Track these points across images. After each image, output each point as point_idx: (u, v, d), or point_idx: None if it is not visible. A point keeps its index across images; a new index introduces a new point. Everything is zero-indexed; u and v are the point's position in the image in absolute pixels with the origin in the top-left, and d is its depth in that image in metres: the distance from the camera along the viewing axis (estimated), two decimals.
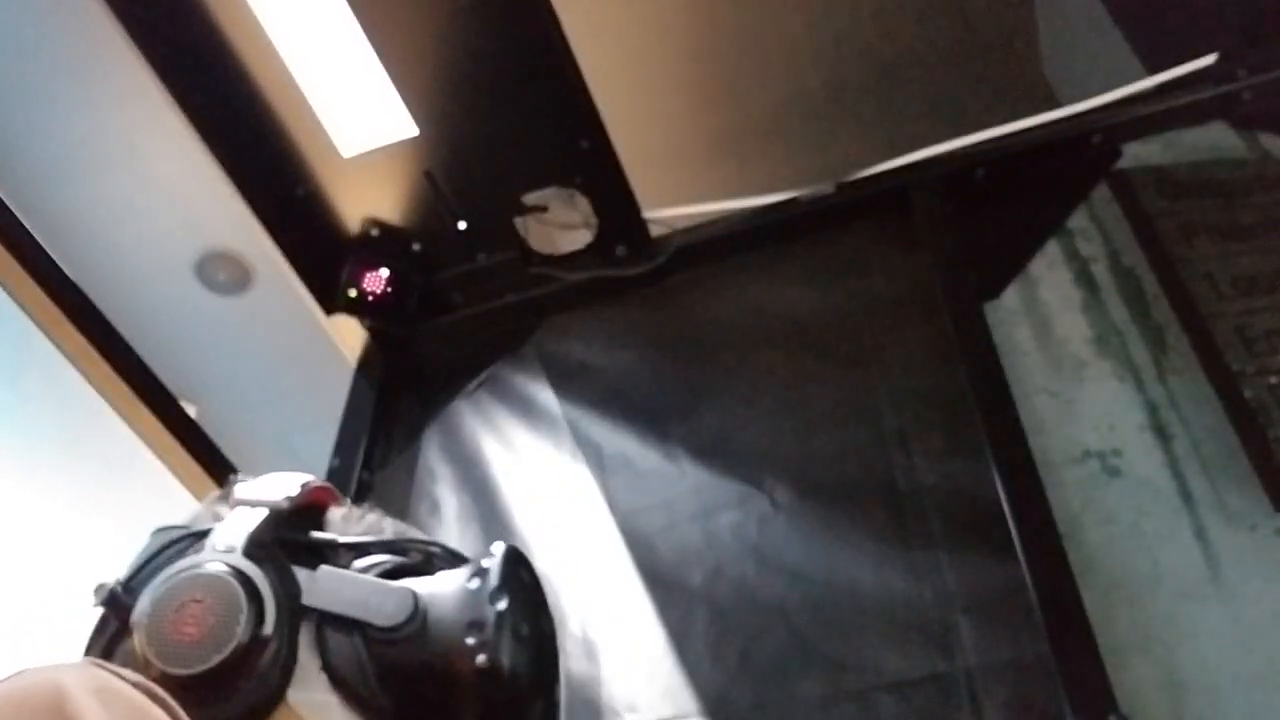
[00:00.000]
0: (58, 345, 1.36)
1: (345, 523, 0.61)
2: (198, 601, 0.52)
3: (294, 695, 0.53)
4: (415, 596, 0.55)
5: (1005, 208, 1.51)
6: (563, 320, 1.67)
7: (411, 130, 1.51)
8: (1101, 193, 1.47)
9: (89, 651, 0.56)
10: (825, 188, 1.61)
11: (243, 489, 0.59)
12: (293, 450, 1.91)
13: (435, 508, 1.53)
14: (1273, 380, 1.24)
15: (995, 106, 1.59)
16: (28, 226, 1.34)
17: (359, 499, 1.61)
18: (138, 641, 0.52)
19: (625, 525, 1.39)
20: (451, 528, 1.49)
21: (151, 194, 1.59)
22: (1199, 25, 1.53)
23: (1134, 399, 1.27)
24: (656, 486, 1.40)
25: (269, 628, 0.52)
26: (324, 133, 1.51)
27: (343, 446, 1.62)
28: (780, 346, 1.49)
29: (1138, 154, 1.49)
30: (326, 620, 0.54)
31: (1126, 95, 1.51)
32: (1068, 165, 1.51)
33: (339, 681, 0.53)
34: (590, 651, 1.30)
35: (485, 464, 1.55)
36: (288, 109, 1.49)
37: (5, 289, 1.33)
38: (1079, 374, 1.32)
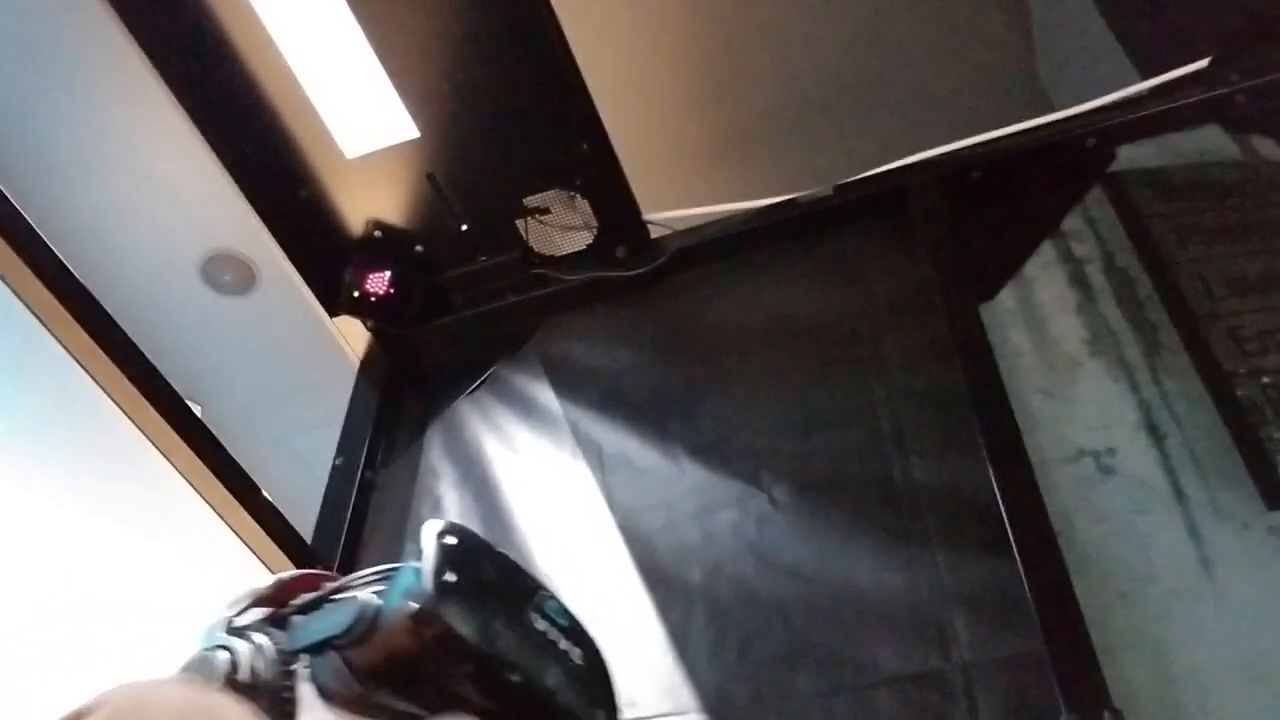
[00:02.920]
0: (63, 344, 1.36)
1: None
2: (191, 681, 0.61)
3: None
4: (360, 601, 0.63)
5: (1001, 210, 1.53)
6: (563, 321, 1.69)
7: (413, 132, 1.53)
8: (1096, 195, 1.48)
9: None
10: (823, 190, 1.63)
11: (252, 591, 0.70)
12: (295, 449, 1.93)
13: (437, 506, 1.55)
14: (1265, 380, 1.25)
15: (991, 109, 1.60)
16: (34, 226, 1.35)
17: (362, 497, 1.64)
18: None
19: (625, 523, 1.40)
20: None
21: (156, 195, 1.60)
22: (1192, 29, 1.54)
23: (1128, 399, 1.29)
24: (656, 485, 1.42)
25: (244, 674, 0.60)
26: (327, 134, 1.53)
27: (346, 445, 1.64)
28: (778, 347, 1.51)
29: (1131, 156, 1.50)
30: (311, 654, 0.63)
31: (1120, 98, 1.52)
32: (1062, 168, 1.52)
33: (331, 697, 0.61)
34: None
35: (487, 463, 1.56)
36: (291, 111, 1.51)
37: (11, 288, 1.34)
38: (1073, 374, 1.33)
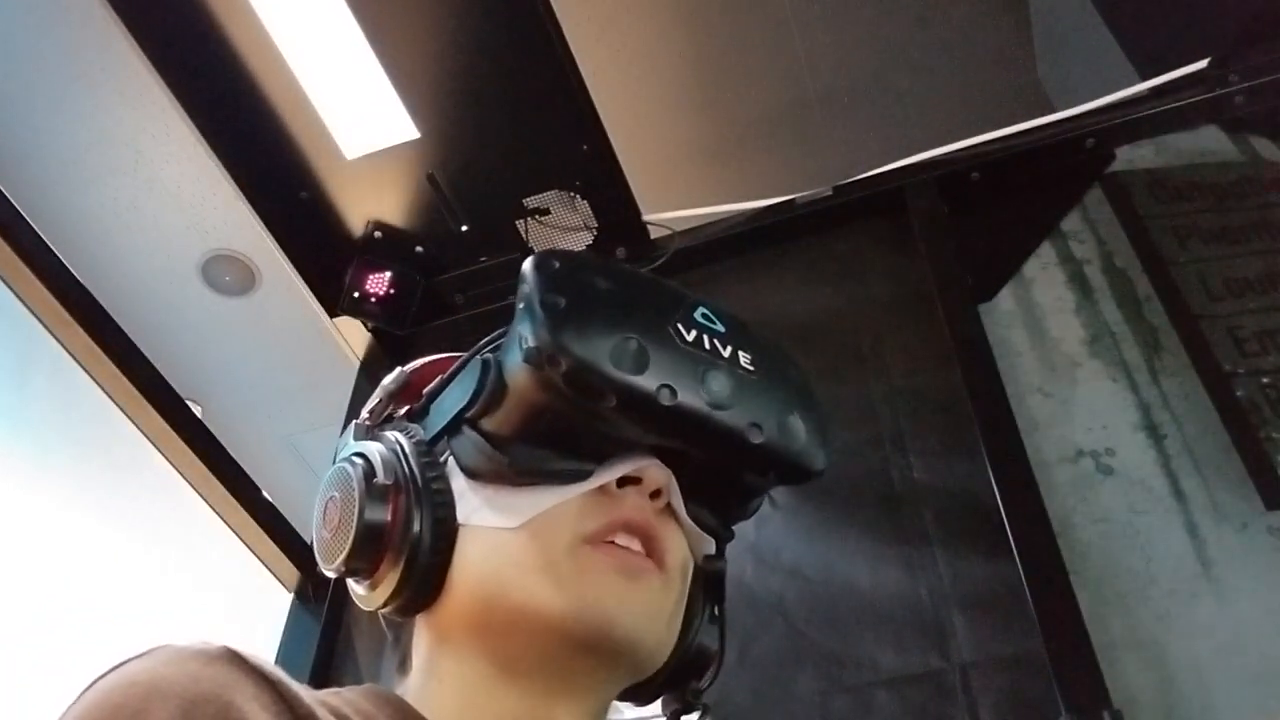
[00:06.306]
0: (65, 346, 1.37)
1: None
2: (333, 500, 0.56)
3: (463, 516, 0.54)
4: (480, 361, 0.56)
5: (1000, 210, 1.53)
6: None
7: (413, 133, 1.53)
8: (1095, 195, 1.48)
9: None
10: (822, 190, 1.63)
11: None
12: (296, 450, 1.93)
13: None
14: (1264, 380, 1.25)
15: (990, 110, 1.60)
16: (35, 228, 1.35)
17: None
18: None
19: None
20: None
21: (157, 197, 1.60)
22: (1191, 30, 1.54)
23: (1127, 399, 1.29)
24: None
25: (383, 476, 0.55)
26: (327, 135, 1.53)
27: None
28: None
29: (1130, 157, 1.50)
30: (450, 438, 0.56)
31: (1119, 99, 1.52)
32: (1061, 168, 1.52)
33: (479, 476, 0.54)
34: None
35: None
36: (291, 112, 1.51)
37: (13, 290, 1.34)
38: (1073, 374, 1.33)
